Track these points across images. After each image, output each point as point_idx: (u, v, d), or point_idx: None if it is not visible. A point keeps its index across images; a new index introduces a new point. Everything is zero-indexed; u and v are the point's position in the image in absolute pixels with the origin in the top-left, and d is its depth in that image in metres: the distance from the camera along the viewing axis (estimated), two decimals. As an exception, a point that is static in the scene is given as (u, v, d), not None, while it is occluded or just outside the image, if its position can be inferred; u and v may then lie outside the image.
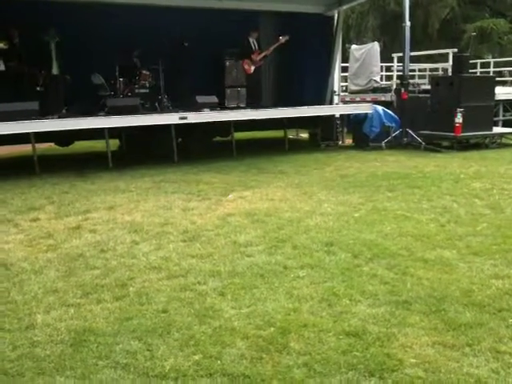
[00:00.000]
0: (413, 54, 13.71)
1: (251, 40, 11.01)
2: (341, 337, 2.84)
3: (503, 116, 13.45)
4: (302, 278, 3.69)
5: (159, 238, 4.67)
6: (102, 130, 8.54)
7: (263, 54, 10.96)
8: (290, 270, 3.83)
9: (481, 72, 17.48)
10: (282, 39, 10.92)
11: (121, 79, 9.99)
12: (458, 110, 9.72)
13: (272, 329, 2.94)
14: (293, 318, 3.07)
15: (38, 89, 8.86)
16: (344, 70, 14.52)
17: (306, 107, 10.38)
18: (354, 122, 11.28)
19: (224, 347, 2.76)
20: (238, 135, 10.79)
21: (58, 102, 9.09)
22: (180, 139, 9.56)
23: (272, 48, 11.07)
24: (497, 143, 10.74)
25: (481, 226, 4.81)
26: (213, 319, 3.08)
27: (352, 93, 14.20)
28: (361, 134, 10.97)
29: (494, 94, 10.94)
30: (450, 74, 11.73)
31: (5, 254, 4.28)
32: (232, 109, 10.59)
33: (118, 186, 7.08)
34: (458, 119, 9.71)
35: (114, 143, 10.07)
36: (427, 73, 16.22)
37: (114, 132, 9.07)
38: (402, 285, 3.52)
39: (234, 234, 4.73)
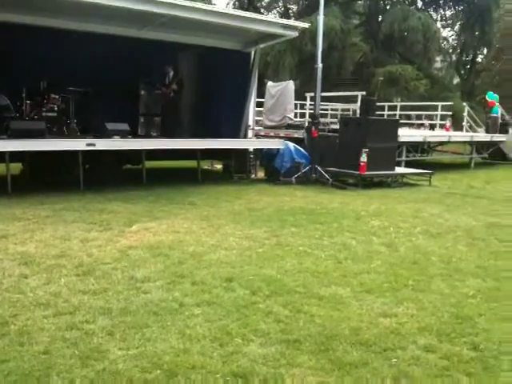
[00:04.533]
0: (327, 94, 14.38)
1: (166, 73, 11.03)
2: (228, 378, 2.80)
3: (406, 157, 14.28)
4: (196, 315, 3.62)
5: (51, 271, 4.42)
6: (3, 153, 8.10)
7: (168, 90, 11.01)
8: (185, 308, 3.75)
9: (388, 114, 18.62)
10: (173, 86, 11.02)
11: (28, 101, 9.55)
12: (363, 149, 10.20)
13: (158, 371, 2.84)
14: (182, 359, 2.99)
15: None
16: (261, 105, 14.88)
17: (218, 140, 10.46)
18: (267, 157, 11.50)
19: (105, 392, 2.63)
20: (151, 164, 10.64)
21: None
22: (88, 165, 9.25)
23: (172, 85, 11.11)
24: (398, 182, 11.35)
25: (375, 263, 5.01)
26: (97, 361, 2.93)
27: (267, 128, 14.53)
28: (273, 169, 11.20)
29: (397, 136, 11.62)
30: (357, 115, 12.33)
31: None
32: (143, 137, 10.45)
33: (14, 213, 6.67)
34: (363, 158, 10.19)
35: (17, 167, 9.56)
36: (339, 112, 17.01)
37: (17, 156, 8.61)
38: (294, 323, 3.55)
39: (132, 268, 4.59)
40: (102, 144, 8.79)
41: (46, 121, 9.36)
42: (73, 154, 8.62)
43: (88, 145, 8.60)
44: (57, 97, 9.75)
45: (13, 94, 9.53)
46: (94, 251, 5.06)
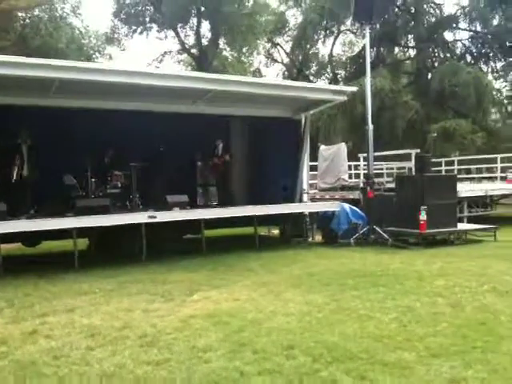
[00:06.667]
0: (380, 153, 14.41)
1: (217, 145, 11.51)
2: None
3: (469, 212, 13.87)
4: (258, 385, 3.59)
5: (116, 343, 4.54)
6: (71, 229, 8.56)
7: (219, 161, 11.42)
8: (246, 377, 3.73)
9: (446, 170, 18.31)
10: (226, 157, 11.36)
11: (93, 180, 10.13)
12: (422, 207, 10.04)
13: None
14: (244, 429, 2.96)
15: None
16: (314, 168, 15.06)
17: (274, 205, 10.61)
18: (323, 219, 11.50)
19: None
20: (209, 232, 10.86)
21: (27, 202, 9.12)
22: (150, 237, 9.57)
23: (224, 157, 11.46)
24: (462, 239, 10.98)
25: (441, 325, 4.82)
26: (161, 433, 2.95)
27: (321, 190, 14.60)
28: (330, 231, 11.17)
29: (456, 191, 11.37)
30: (413, 173, 12.23)
31: (-49, 364, 4.10)
32: (202, 207, 10.76)
33: (81, 287, 6.94)
34: (422, 216, 10.01)
35: (83, 242, 10.01)
36: (395, 171, 16.89)
37: (83, 232, 9.05)
38: (359, 390, 3.46)
39: (193, 337, 4.64)
40: (162, 216, 9.14)
41: (111, 197, 9.86)
42: (136, 226, 8.99)
43: (150, 217, 8.96)
44: (120, 173, 10.29)
45: (79, 173, 10.16)
46: (157, 321, 5.17)
